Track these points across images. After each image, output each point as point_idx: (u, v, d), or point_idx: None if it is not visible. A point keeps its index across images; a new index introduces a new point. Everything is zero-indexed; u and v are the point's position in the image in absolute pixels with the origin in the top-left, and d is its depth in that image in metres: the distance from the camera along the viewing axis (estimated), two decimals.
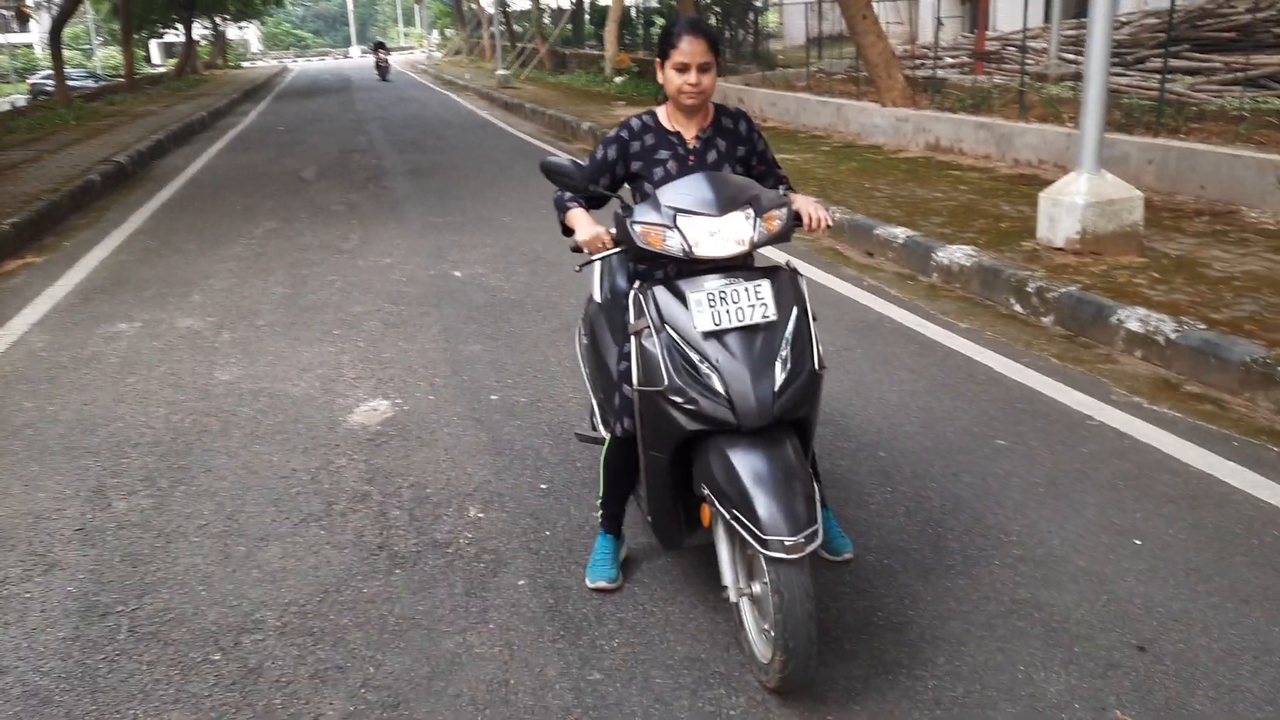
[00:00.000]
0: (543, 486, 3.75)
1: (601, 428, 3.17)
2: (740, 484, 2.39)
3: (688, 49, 2.75)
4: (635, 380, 2.59)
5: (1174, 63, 11.68)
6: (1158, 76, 10.81)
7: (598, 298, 3.37)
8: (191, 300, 6.56)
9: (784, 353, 2.52)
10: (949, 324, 5.59)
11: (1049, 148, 9.66)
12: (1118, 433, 4.10)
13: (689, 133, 2.90)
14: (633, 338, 2.62)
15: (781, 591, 2.33)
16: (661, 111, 2.94)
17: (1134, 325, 5.00)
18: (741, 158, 2.95)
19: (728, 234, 2.57)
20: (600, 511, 3.10)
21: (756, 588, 2.54)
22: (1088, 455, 3.90)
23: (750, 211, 2.60)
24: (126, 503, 3.72)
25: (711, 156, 2.90)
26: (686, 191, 2.62)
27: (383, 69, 35.59)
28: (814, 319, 2.64)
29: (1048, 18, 15.30)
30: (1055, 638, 2.77)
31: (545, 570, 3.17)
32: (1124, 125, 9.57)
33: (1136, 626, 2.81)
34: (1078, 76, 11.88)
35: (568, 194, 2.90)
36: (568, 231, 2.90)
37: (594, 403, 3.35)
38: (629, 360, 2.67)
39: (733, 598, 2.63)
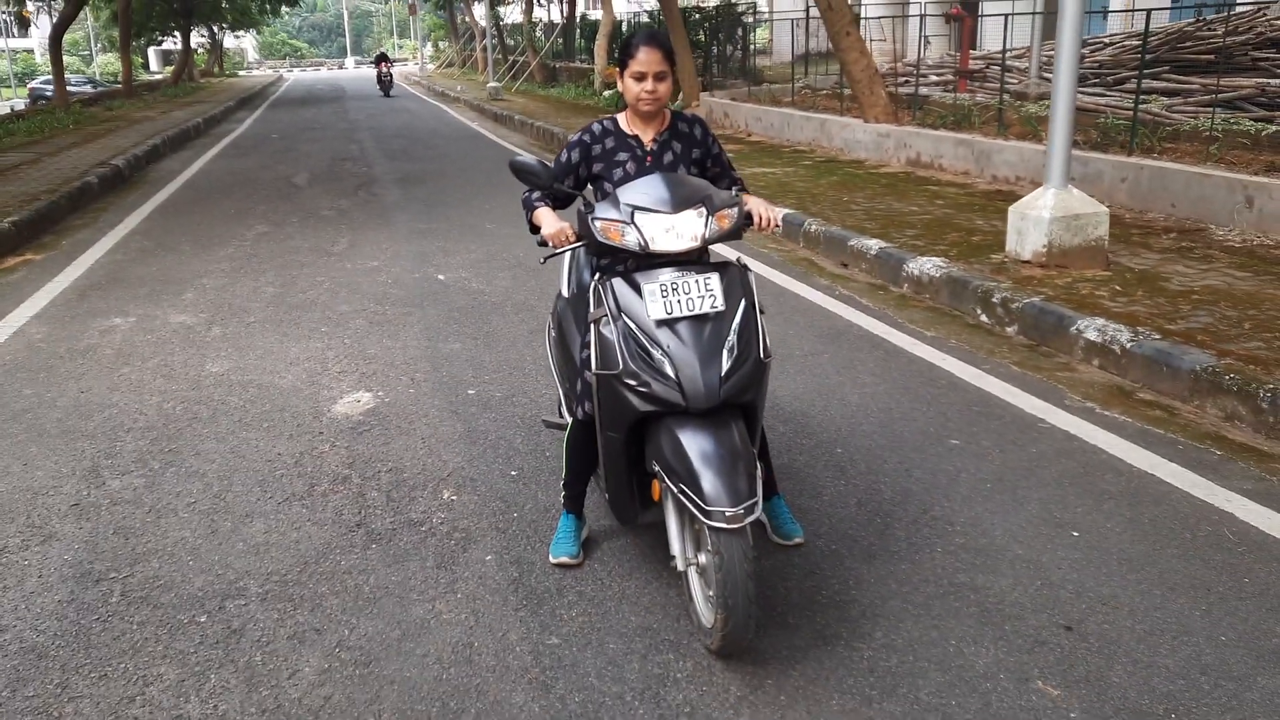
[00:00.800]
0: (513, 473, 3.94)
1: (566, 414, 3.36)
2: (688, 461, 2.57)
3: (644, 59, 2.95)
4: (593, 365, 2.77)
5: (1154, 84, 11.97)
6: (1148, 98, 11.09)
7: (565, 292, 3.57)
8: (185, 298, 6.75)
9: (730, 341, 2.69)
10: (916, 332, 5.80)
11: (1026, 165, 9.91)
12: (1067, 435, 4.30)
13: (647, 136, 3.10)
14: (592, 326, 2.80)
15: (722, 554, 2.50)
16: (622, 117, 3.14)
17: (1092, 335, 5.21)
18: (696, 160, 3.15)
19: (682, 230, 2.74)
20: (564, 492, 3.28)
21: (702, 558, 2.71)
22: (1036, 455, 4.10)
23: (703, 210, 2.77)
24: (120, 481, 3.90)
25: (668, 158, 3.09)
26: (644, 190, 2.79)
27: (385, 83, 32.44)
28: (761, 311, 2.83)
29: (1045, 39, 15.62)
30: (988, 617, 2.96)
31: (512, 547, 3.36)
32: (1100, 144, 9.83)
33: (1065, 609, 3.00)
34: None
35: (535, 194, 3.10)
36: (535, 229, 3.07)
37: (560, 391, 3.55)
38: (590, 348, 2.84)
39: (680, 566, 2.81)
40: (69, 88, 25.47)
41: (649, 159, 3.08)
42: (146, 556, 3.33)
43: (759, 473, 2.62)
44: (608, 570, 3.18)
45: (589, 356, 2.86)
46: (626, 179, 3.02)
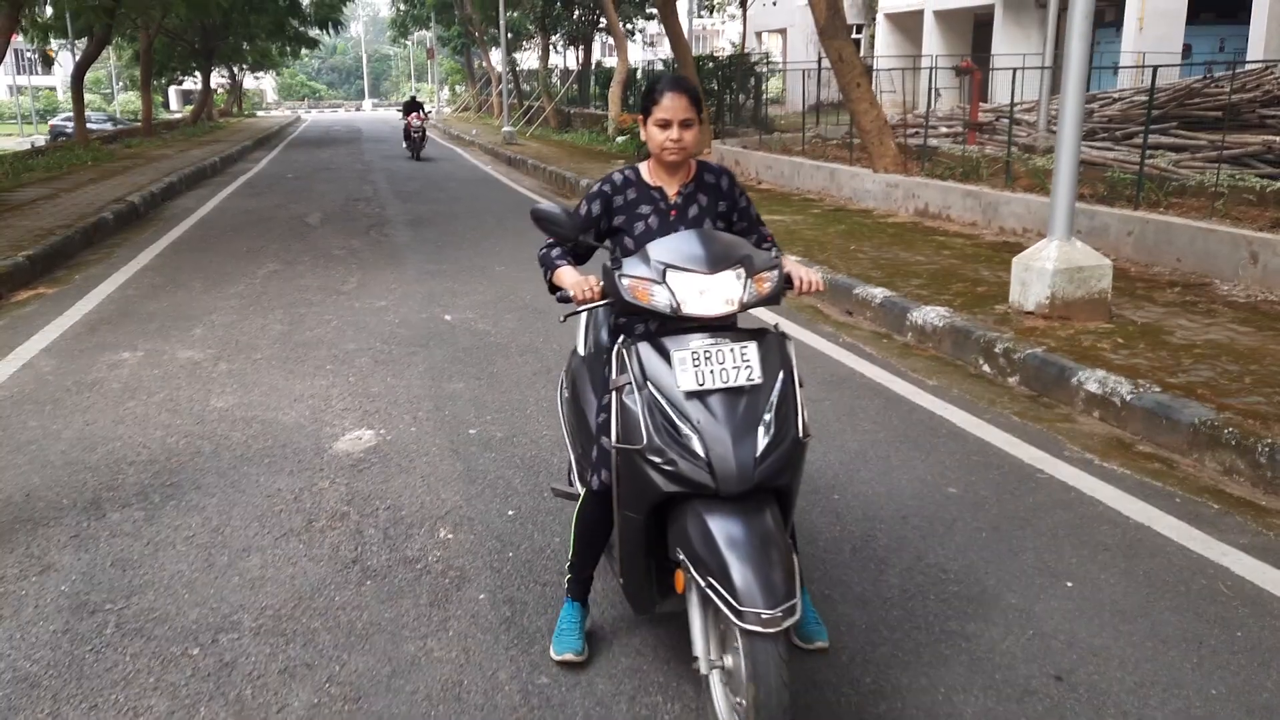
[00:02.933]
0: (510, 513, 3.96)
1: (578, 483, 3.12)
2: (717, 551, 2.31)
3: (669, 105, 2.75)
4: (614, 437, 2.53)
5: (1162, 139, 12.09)
6: (1152, 153, 11.19)
7: (581, 351, 3.34)
8: (193, 334, 6.82)
9: (767, 417, 2.45)
10: (918, 380, 5.82)
11: (1033, 216, 9.97)
12: (1065, 486, 4.30)
13: (671, 188, 2.90)
14: (613, 393, 2.56)
15: (756, 667, 2.23)
16: (644, 167, 2.95)
17: (1093, 386, 5.23)
18: (723, 213, 2.94)
19: (717, 293, 2.52)
20: (568, 575, 2.99)
21: (729, 660, 2.42)
22: (1033, 505, 4.10)
23: (741, 271, 2.55)
24: (120, 514, 3.94)
25: (693, 211, 2.89)
26: (678, 247, 2.58)
27: (415, 140, 22.79)
28: (800, 385, 2.58)
29: (1053, 91, 15.81)
30: (978, 665, 2.96)
31: (506, 587, 3.37)
32: (1106, 198, 9.91)
33: (1056, 659, 3.00)
34: None
35: (555, 251, 2.88)
36: (554, 289, 2.87)
37: (571, 457, 3.28)
38: (608, 412, 2.62)
39: (703, 669, 2.50)
40: (89, 125, 25.91)
41: (673, 213, 2.88)
42: (143, 589, 3.36)
43: (797, 567, 2.36)
44: (599, 610, 3.19)
45: (606, 421, 2.64)
46: (648, 234, 2.82)
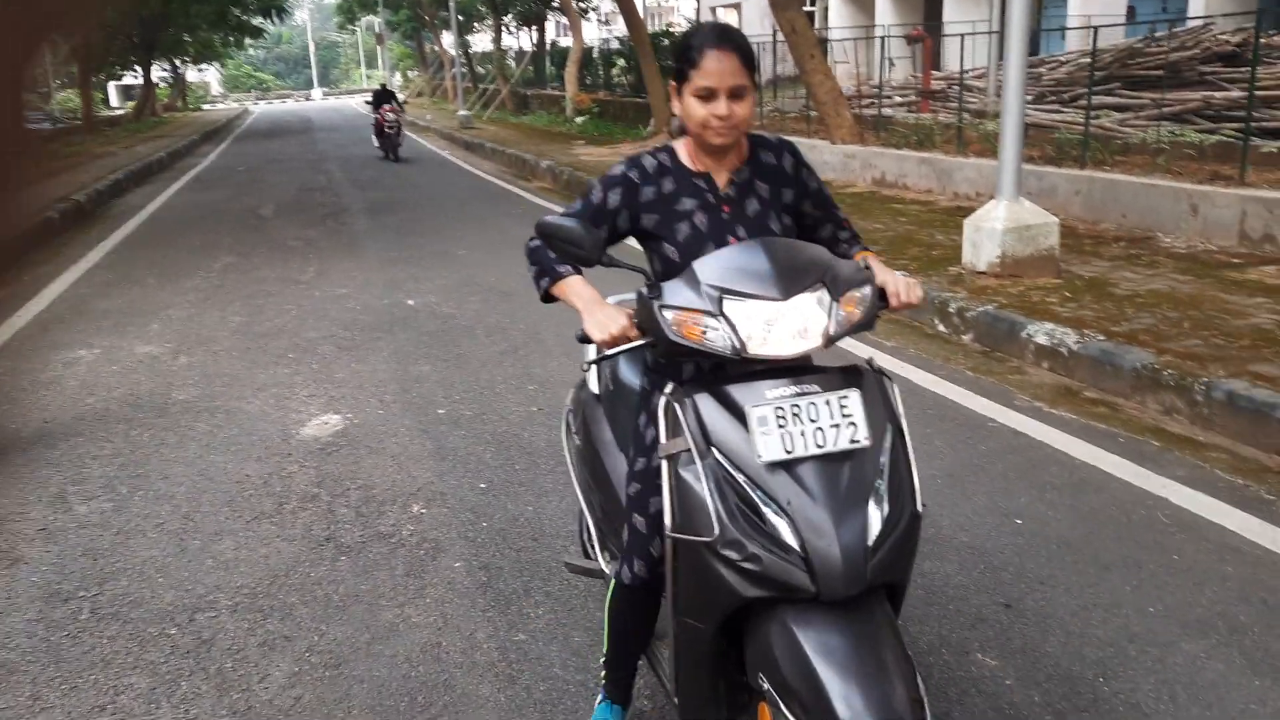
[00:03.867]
0: (482, 486, 4.04)
1: (600, 556, 2.61)
2: (817, 680, 1.73)
3: (714, 68, 2.03)
4: (669, 523, 1.92)
5: (1107, 100, 12.32)
6: (1095, 113, 11.41)
7: (594, 388, 2.73)
8: (150, 329, 6.80)
9: (879, 490, 1.85)
10: (876, 343, 5.95)
11: (985, 180, 10.15)
12: (1015, 432, 4.45)
13: (720, 175, 2.18)
14: (664, 463, 1.93)
15: None
16: (680, 147, 2.22)
17: (1041, 339, 5.39)
18: (789, 204, 2.22)
19: (791, 324, 1.89)
20: (604, 673, 2.44)
21: None
22: (985, 452, 4.25)
23: (824, 292, 1.91)
24: (87, 506, 3.96)
25: (752, 206, 2.17)
26: (734, 264, 1.93)
27: (390, 136, 19.01)
28: (910, 440, 1.99)
29: (1002, 56, 16.00)
30: (933, 599, 3.09)
31: (480, 555, 3.45)
32: (1054, 159, 10.11)
33: (1006, 589, 3.14)
34: None
35: (554, 254, 2.12)
36: (548, 299, 2.20)
37: (588, 521, 2.71)
38: (643, 483, 2.14)
39: None
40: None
41: (725, 208, 2.16)
42: (115, 575, 3.40)
43: (924, 694, 1.77)
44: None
45: (641, 494, 2.14)
46: (698, 239, 2.12)
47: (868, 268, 2.06)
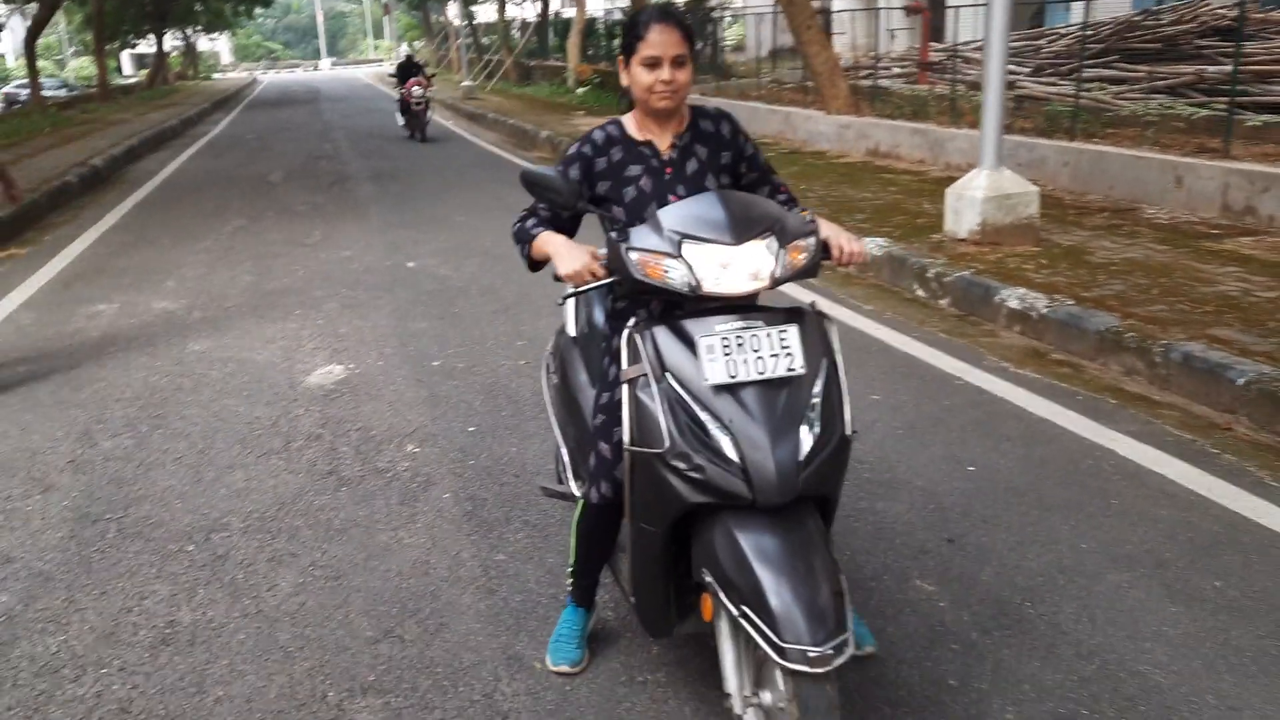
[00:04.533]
0: (471, 429, 4.34)
1: (572, 482, 2.87)
2: (752, 574, 1.99)
3: (657, 40, 2.33)
4: (627, 438, 2.18)
5: (1103, 72, 12.47)
6: (1088, 85, 11.59)
7: (571, 331, 2.98)
8: (165, 286, 7.10)
9: (811, 414, 2.11)
10: (855, 306, 6.21)
11: (976, 151, 10.11)
12: (979, 390, 4.72)
13: (663, 141, 2.47)
14: (624, 386, 2.19)
15: (801, 705, 1.94)
16: (628, 120, 2.51)
17: (1014, 303, 5.64)
18: (727, 165, 2.51)
19: (743, 267, 2.14)
20: (570, 581, 2.72)
21: (767, 698, 2.11)
22: (948, 406, 4.52)
23: (772, 240, 2.17)
24: (111, 442, 4.28)
25: (691, 167, 2.47)
26: (695, 213, 2.19)
27: (418, 114, 16.93)
28: (844, 373, 2.27)
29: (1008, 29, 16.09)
30: (882, 534, 3.38)
31: (467, 488, 3.76)
32: (1045, 131, 10.31)
33: (951, 526, 3.42)
34: (1010, 86, 12.65)
35: (530, 221, 2.49)
36: (534, 266, 2.50)
37: (563, 452, 2.96)
38: (608, 413, 2.37)
39: (737, 709, 2.19)
40: (43, 91, 25.65)
41: (668, 170, 2.45)
42: (138, 501, 3.71)
43: (846, 591, 2.04)
44: (552, 503, 3.58)
45: (605, 424, 2.40)
46: (642, 199, 2.42)
47: (813, 222, 2.31)
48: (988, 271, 6.18)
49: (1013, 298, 5.66)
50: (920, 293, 6.41)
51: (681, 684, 2.62)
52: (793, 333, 2.14)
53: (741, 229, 2.16)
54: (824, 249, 2.32)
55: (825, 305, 6.05)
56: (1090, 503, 3.56)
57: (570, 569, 2.68)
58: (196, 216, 10.08)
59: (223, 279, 7.26)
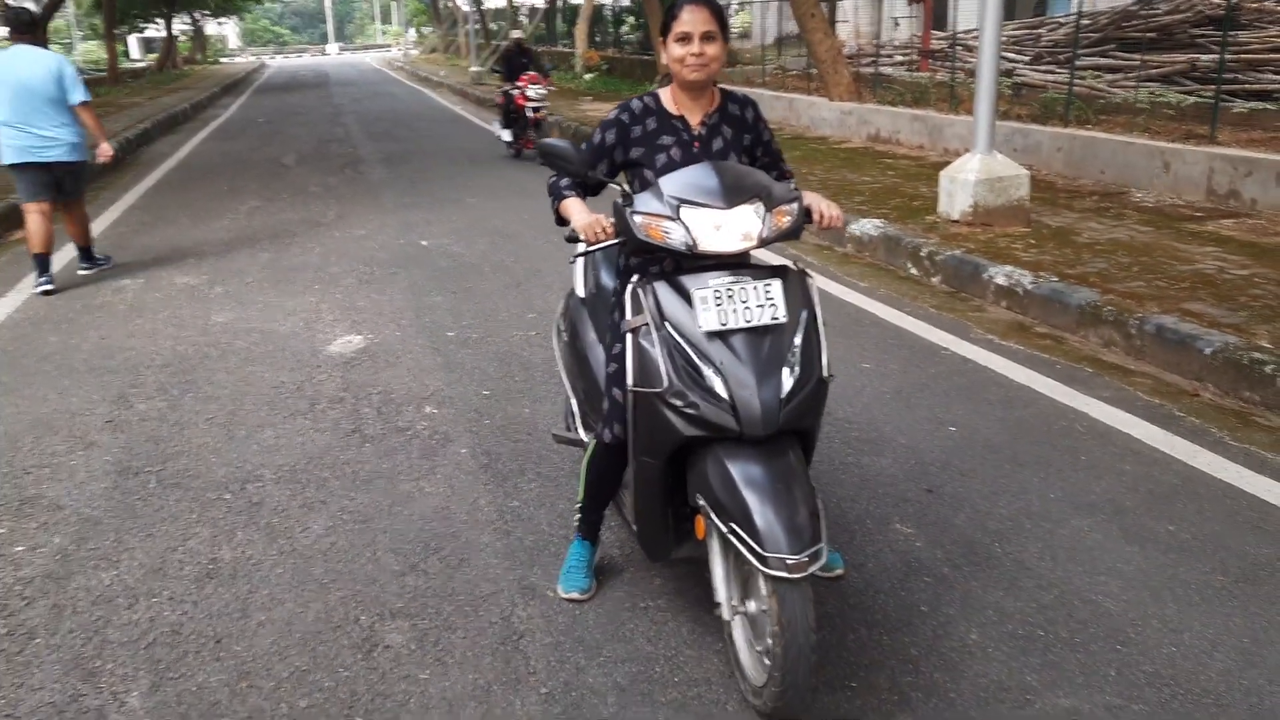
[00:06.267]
0: (485, 393, 4.62)
1: (581, 430, 3.15)
2: (739, 496, 2.27)
3: (689, 18, 2.59)
4: (630, 380, 2.46)
5: (1100, 61, 12.69)
6: (1083, 73, 11.81)
7: (580, 292, 3.25)
8: (186, 263, 7.38)
9: (792, 358, 2.39)
10: (851, 283, 6.48)
11: (974, 137, 10.58)
12: (964, 359, 4.99)
13: (694, 117, 2.72)
14: (628, 335, 2.48)
15: (781, 614, 2.22)
16: (665, 93, 2.76)
17: (1001, 280, 5.90)
18: (747, 146, 2.78)
19: (734, 228, 2.42)
20: (578, 517, 3.01)
21: (752, 606, 2.43)
22: (933, 374, 4.79)
23: (760, 205, 2.45)
24: (146, 405, 4.56)
25: (717, 144, 2.72)
26: (691, 181, 2.47)
27: (535, 123, 12.24)
28: (823, 324, 2.55)
29: (1008, 16, 16.30)
30: (865, 484, 3.65)
31: (483, 444, 4.04)
32: (1040, 117, 10.53)
33: (931, 478, 3.70)
34: (1008, 74, 12.87)
35: (563, 180, 2.75)
36: (561, 221, 2.74)
37: (573, 403, 3.26)
38: (619, 362, 2.57)
39: (726, 616, 2.52)
40: None
41: (696, 144, 2.70)
42: (175, 456, 4.00)
43: (821, 511, 2.34)
44: (566, 454, 3.85)
45: (617, 371, 2.61)
46: (671, 166, 2.65)
47: (797, 190, 2.60)
48: (978, 251, 6.44)
49: (1000, 275, 5.92)
50: (913, 271, 6.67)
51: (680, 610, 2.90)
52: (776, 286, 2.43)
53: (732, 195, 2.43)
54: (806, 214, 2.63)
55: (823, 283, 6.40)
56: (1060, 458, 3.83)
57: (579, 505, 2.97)
58: (213, 197, 10.36)
59: (242, 256, 7.54)
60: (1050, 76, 12.81)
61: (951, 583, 3.03)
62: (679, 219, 2.42)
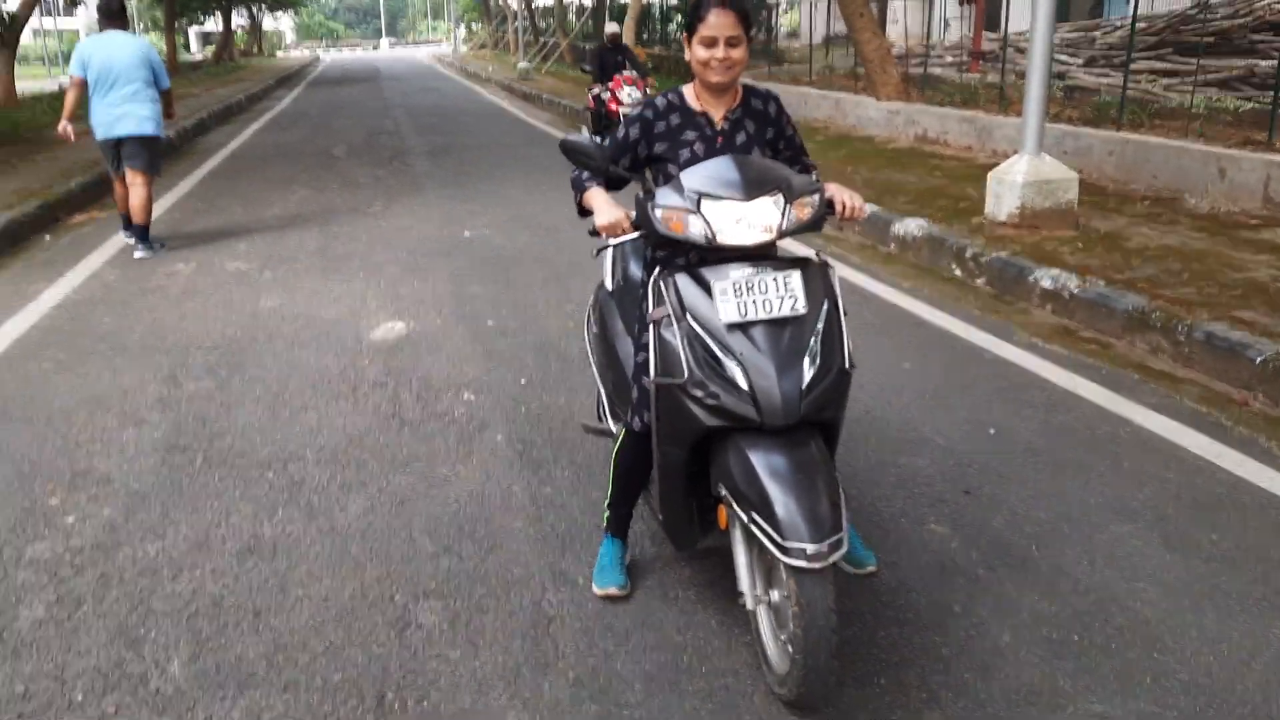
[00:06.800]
0: (522, 381, 4.67)
1: (610, 420, 3.17)
2: (760, 485, 2.28)
3: (715, 22, 2.59)
4: (652, 371, 2.49)
5: (1156, 65, 12.48)
6: (1137, 77, 11.62)
7: (609, 285, 3.27)
8: (238, 249, 7.52)
9: (813, 348, 2.39)
10: (894, 283, 6.44)
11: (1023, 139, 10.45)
12: (1007, 362, 4.94)
13: (717, 113, 2.73)
14: (651, 326, 2.51)
15: (802, 603, 2.22)
16: (688, 90, 2.78)
17: (1046, 283, 5.83)
18: (769, 140, 2.79)
19: (754, 220, 2.43)
20: (607, 513, 3.00)
21: (775, 596, 2.43)
22: (975, 375, 4.75)
23: (780, 197, 2.45)
24: (194, 385, 4.67)
25: (740, 138, 2.73)
26: (712, 174, 2.48)
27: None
28: (844, 314, 2.53)
29: (1063, 18, 16.11)
30: (903, 485, 3.63)
31: (518, 431, 4.09)
32: (1093, 120, 10.38)
33: (969, 480, 3.67)
34: (1061, 76, 12.69)
35: (585, 174, 2.76)
36: (584, 212, 2.76)
37: (602, 394, 3.28)
38: (647, 351, 2.57)
39: (749, 605, 2.52)
40: None
41: (719, 139, 2.72)
42: (221, 435, 4.09)
43: (843, 501, 2.33)
44: (599, 443, 3.87)
45: (646, 361, 2.59)
46: (694, 161, 2.66)
47: (818, 181, 2.61)
48: (1024, 253, 6.36)
49: (1046, 278, 5.85)
50: (958, 272, 6.61)
51: (710, 601, 2.91)
52: (796, 277, 2.43)
53: (753, 187, 2.44)
54: (829, 205, 2.60)
55: (865, 282, 6.36)
56: (1102, 464, 3.78)
57: (608, 501, 2.98)
58: (265, 186, 10.53)
59: (291, 244, 7.67)
60: (1104, 80, 12.61)
61: (986, 584, 3.00)
62: (699, 212, 2.44)
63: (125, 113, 7.15)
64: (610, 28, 12.02)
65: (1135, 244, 6.63)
